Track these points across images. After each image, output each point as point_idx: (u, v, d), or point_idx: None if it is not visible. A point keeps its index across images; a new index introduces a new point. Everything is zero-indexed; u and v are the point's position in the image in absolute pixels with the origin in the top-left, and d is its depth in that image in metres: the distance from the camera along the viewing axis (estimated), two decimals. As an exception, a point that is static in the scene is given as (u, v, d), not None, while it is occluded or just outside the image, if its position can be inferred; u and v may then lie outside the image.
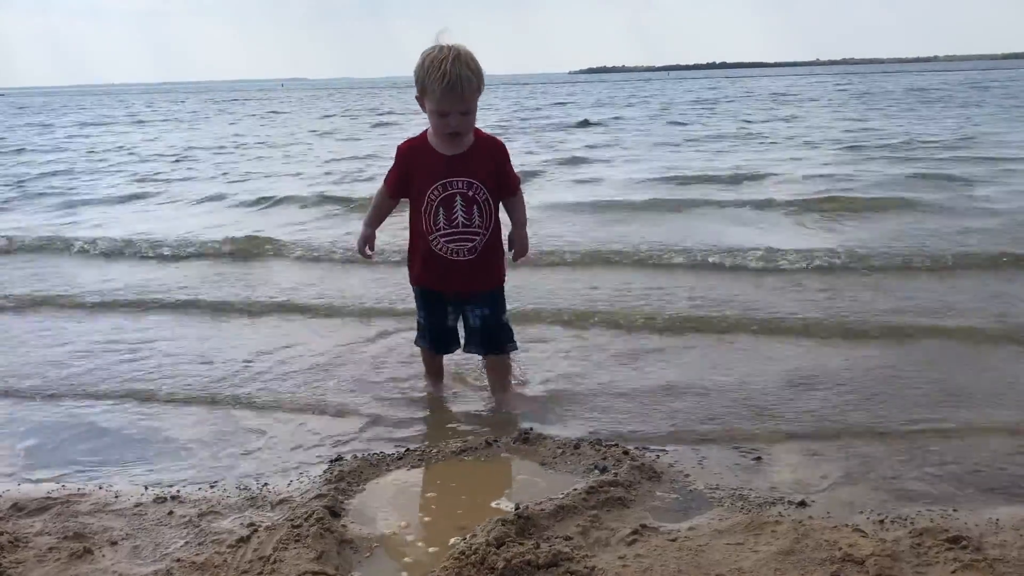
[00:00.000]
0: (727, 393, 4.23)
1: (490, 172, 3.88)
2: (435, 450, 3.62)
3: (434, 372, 4.44)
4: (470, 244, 3.90)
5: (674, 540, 2.80)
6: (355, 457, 3.56)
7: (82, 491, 3.35)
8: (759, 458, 3.47)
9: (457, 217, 3.86)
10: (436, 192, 3.84)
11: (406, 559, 2.82)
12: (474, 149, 3.88)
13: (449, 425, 3.96)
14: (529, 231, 4.16)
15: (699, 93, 48.01)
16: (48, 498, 3.26)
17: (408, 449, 3.64)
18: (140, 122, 35.81)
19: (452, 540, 2.89)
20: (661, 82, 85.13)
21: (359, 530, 2.98)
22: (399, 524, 3.04)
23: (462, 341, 4.23)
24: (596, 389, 4.35)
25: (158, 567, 2.72)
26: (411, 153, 3.92)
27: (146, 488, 3.36)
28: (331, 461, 3.54)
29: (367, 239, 4.15)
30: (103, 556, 2.81)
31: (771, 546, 2.72)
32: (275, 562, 2.70)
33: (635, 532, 2.85)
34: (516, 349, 4.22)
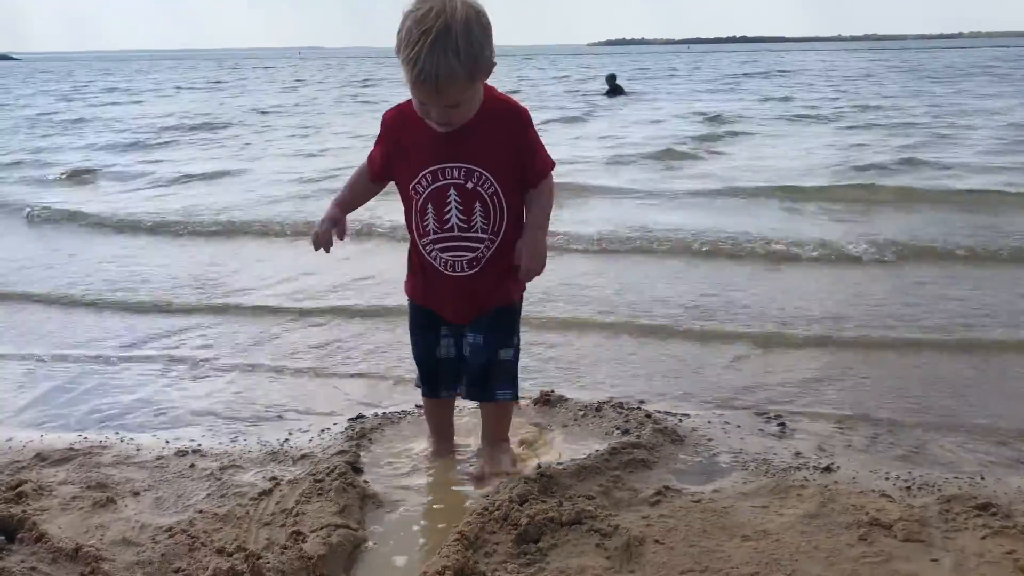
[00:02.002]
0: (753, 359, 4.20)
1: (501, 155, 2.77)
2: (456, 410, 3.60)
3: (435, 426, 3.29)
4: (470, 255, 2.85)
5: (698, 502, 2.78)
6: (376, 415, 3.55)
7: (104, 443, 3.36)
8: (783, 424, 3.43)
9: (451, 218, 2.81)
10: (424, 182, 2.80)
11: (428, 515, 2.81)
12: (480, 121, 2.73)
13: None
14: None
15: (754, 69, 45.19)
16: (71, 449, 3.26)
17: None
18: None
19: (474, 497, 2.88)
20: (694, 56, 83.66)
21: (381, 486, 2.97)
22: (420, 480, 3.03)
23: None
24: (618, 355, 4.33)
25: (180, 517, 2.72)
26: (398, 123, 2.86)
27: (167, 442, 3.36)
28: (352, 419, 3.53)
29: (334, 221, 2.97)
30: (126, 506, 2.81)
31: (797, 509, 2.70)
32: (298, 515, 2.69)
33: (658, 493, 2.83)
34: (512, 400, 3.09)
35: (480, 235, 2.83)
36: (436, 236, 2.84)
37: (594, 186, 9.52)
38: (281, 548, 2.47)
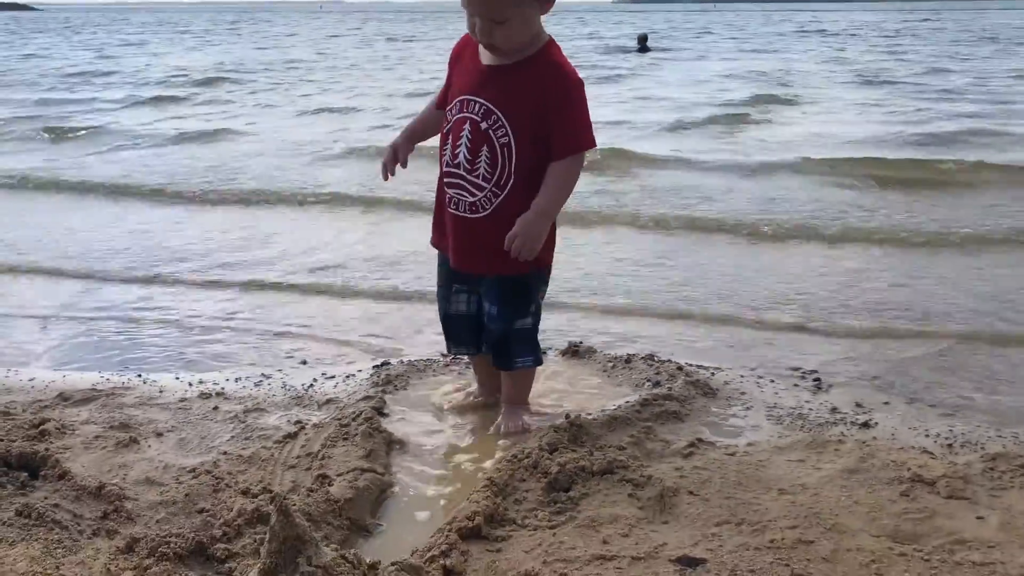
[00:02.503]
0: (784, 317, 4.10)
1: (527, 107, 2.64)
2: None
3: (479, 374, 3.19)
4: (470, 199, 2.73)
5: (732, 455, 2.70)
6: (401, 362, 3.49)
7: (127, 384, 3.32)
8: (818, 380, 3.35)
9: (460, 152, 2.70)
10: (454, 110, 2.75)
11: (455, 462, 2.76)
12: (523, 67, 2.66)
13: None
14: None
15: (792, 28, 43.14)
16: (93, 390, 3.23)
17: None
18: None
19: (501, 443, 2.82)
20: (721, 15, 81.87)
21: (407, 432, 2.92)
22: (447, 428, 2.97)
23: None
24: (646, 308, 4.24)
25: (204, 459, 2.67)
26: (457, 51, 2.87)
27: (191, 385, 3.32)
28: (376, 366, 3.47)
29: (395, 149, 2.95)
30: (149, 446, 2.77)
31: (835, 464, 2.62)
32: (323, 458, 2.64)
33: (691, 445, 2.76)
34: (532, 367, 2.99)
35: (482, 182, 2.69)
36: (447, 169, 2.76)
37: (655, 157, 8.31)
38: (307, 491, 2.43)
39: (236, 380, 3.38)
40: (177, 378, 3.40)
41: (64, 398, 3.14)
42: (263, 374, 3.44)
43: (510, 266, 2.72)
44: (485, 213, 2.71)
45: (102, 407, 3.07)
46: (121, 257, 5.24)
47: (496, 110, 2.64)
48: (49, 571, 2.03)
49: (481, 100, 2.67)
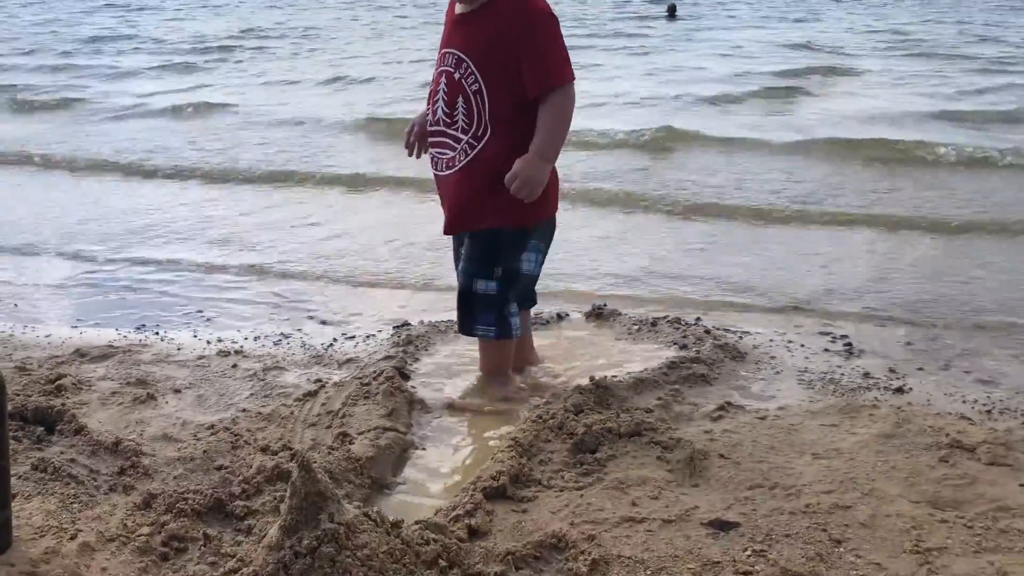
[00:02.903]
0: (814, 279, 4.00)
1: (494, 50, 2.52)
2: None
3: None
4: (449, 154, 2.63)
5: (763, 418, 2.63)
6: (422, 323, 3.42)
7: (144, 342, 3.27)
8: (849, 345, 3.26)
9: (439, 108, 2.64)
10: (437, 65, 2.69)
11: (477, 423, 2.70)
12: (491, 9, 2.55)
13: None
14: None
15: None
16: (110, 347, 3.18)
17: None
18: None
19: (527, 408, 2.75)
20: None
21: (429, 392, 2.85)
22: (469, 389, 2.91)
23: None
24: (674, 272, 4.15)
25: (223, 416, 2.62)
26: (449, 6, 2.74)
27: (209, 343, 3.27)
28: (397, 326, 3.40)
29: (415, 124, 2.85)
30: (166, 403, 2.72)
31: (870, 429, 2.54)
32: (344, 416, 2.59)
33: (720, 408, 2.68)
34: (493, 339, 2.75)
35: (460, 135, 2.60)
36: (431, 128, 2.70)
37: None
38: (328, 449, 2.37)
39: (255, 339, 3.32)
40: (195, 336, 3.35)
41: (81, 354, 3.09)
42: (282, 333, 3.38)
43: (478, 221, 2.65)
44: (459, 167, 2.63)
45: (119, 364, 3.02)
46: (136, 228, 5.19)
47: (465, 57, 2.56)
48: (65, 525, 1.98)
49: (452, 50, 2.61)
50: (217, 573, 1.87)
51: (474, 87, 2.56)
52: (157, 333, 3.38)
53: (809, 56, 12.93)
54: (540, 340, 3.26)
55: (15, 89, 10.38)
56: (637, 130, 7.12)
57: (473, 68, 2.55)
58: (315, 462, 1.91)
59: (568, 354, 3.16)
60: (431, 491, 2.33)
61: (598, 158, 6.51)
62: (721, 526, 2.03)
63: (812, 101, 9.24)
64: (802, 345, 3.25)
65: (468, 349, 3.12)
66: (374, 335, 3.32)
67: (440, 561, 1.85)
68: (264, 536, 1.89)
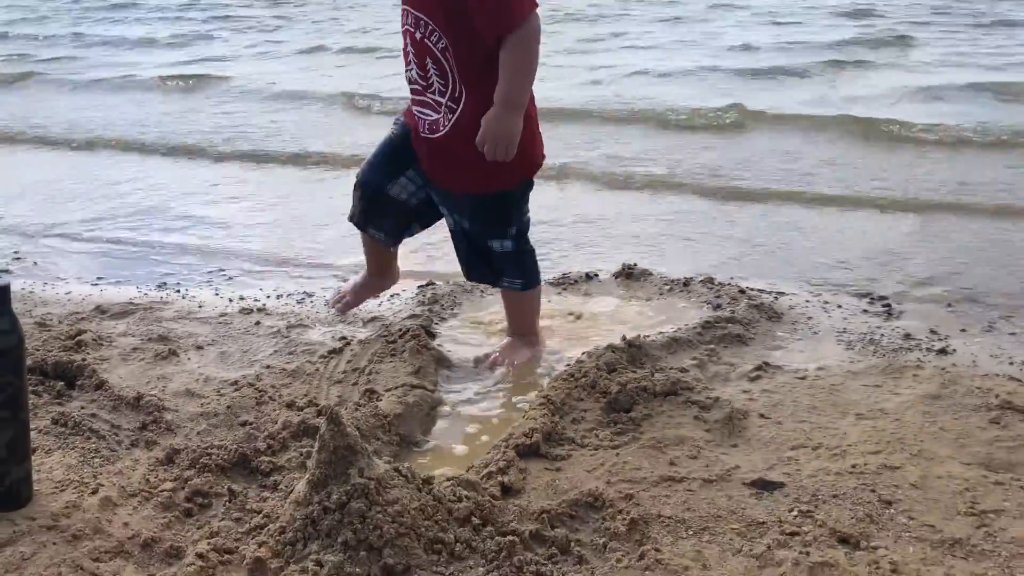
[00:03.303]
0: (850, 240, 3.88)
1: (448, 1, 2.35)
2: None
3: (368, 260, 2.92)
4: (431, 117, 2.51)
5: (803, 379, 2.54)
6: (447, 283, 3.34)
7: (165, 299, 3.21)
8: (888, 306, 3.15)
9: (411, 70, 2.51)
10: (401, 21, 2.53)
11: (506, 382, 2.62)
12: None
13: (549, 258, 3.66)
14: None
15: None
16: (131, 303, 3.12)
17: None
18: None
19: (559, 367, 2.67)
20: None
21: (456, 351, 2.78)
22: (496, 349, 2.83)
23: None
24: (706, 232, 4.04)
25: (247, 372, 2.56)
26: None
27: (231, 300, 3.20)
28: (422, 285, 3.32)
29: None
30: (188, 359, 2.66)
31: (914, 390, 2.44)
32: (371, 374, 2.52)
33: (758, 368, 2.59)
34: (520, 290, 2.70)
35: (438, 98, 2.46)
36: (409, 87, 2.56)
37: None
38: (355, 405, 2.31)
39: (278, 297, 3.25)
40: (217, 294, 3.28)
41: (101, 311, 3.04)
42: (305, 292, 3.31)
43: (479, 183, 2.52)
44: (445, 132, 2.49)
45: (140, 320, 2.96)
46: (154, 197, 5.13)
47: (422, 15, 2.39)
48: (86, 479, 1.92)
49: (408, 8, 2.45)
50: (243, 529, 1.81)
51: (440, 45, 2.39)
52: (178, 291, 3.32)
53: (865, 25, 10.91)
54: (571, 298, 3.18)
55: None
56: (701, 108, 6.19)
57: (433, 25, 2.38)
58: (344, 415, 1.84)
59: (599, 314, 3.07)
60: (460, 449, 2.26)
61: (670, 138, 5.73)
62: (764, 486, 1.95)
63: (868, 74, 7.90)
64: (839, 306, 3.15)
65: (494, 308, 3.04)
66: (398, 294, 3.24)
67: (473, 518, 1.79)
68: (291, 492, 1.82)
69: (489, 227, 2.62)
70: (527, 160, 2.54)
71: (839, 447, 2.12)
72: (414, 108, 2.57)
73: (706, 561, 1.69)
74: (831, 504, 1.88)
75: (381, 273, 2.93)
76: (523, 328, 2.80)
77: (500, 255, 2.64)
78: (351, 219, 2.79)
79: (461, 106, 2.44)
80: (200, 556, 1.69)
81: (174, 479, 1.97)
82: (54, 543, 1.71)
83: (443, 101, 2.45)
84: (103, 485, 1.90)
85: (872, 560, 1.68)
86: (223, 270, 3.59)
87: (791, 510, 1.85)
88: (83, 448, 2.06)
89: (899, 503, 1.88)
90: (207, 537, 1.77)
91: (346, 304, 2.97)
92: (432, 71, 2.43)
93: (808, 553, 1.68)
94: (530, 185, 2.66)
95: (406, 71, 2.55)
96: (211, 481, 1.96)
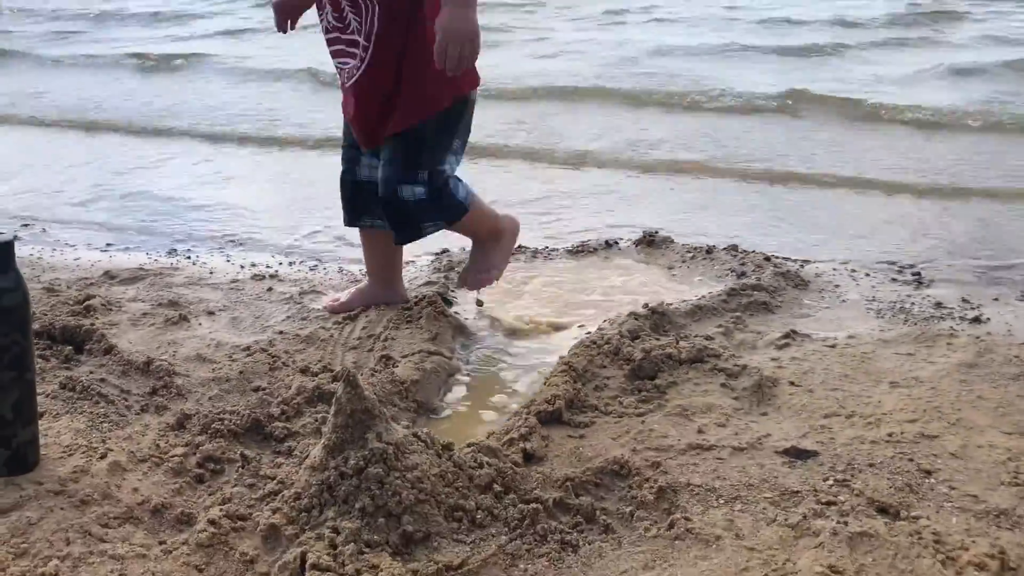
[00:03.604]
0: (876, 208, 3.79)
1: None
2: (548, 248, 3.30)
3: (368, 264, 2.72)
4: (350, 63, 2.38)
5: (832, 347, 2.45)
6: (463, 250, 3.25)
7: (175, 265, 3.14)
8: (918, 274, 3.06)
9: (325, 15, 2.40)
10: None
11: (526, 349, 2.55)
12: None
13: (567, 232, 3.57)
14: None
15: None
16: (140, 269, 3.05)
17: (519, 246, 3.31)
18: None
19: (577, 336, 2.60)
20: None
21: (473, 319, 2.71)
22: (514, 317, 2.75)
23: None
24: (725, 203, 3.95)
25: (259, 337, 2.49)
26: None
27: (242, 267, 3.13)
28: (437, 253, 3.25)
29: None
30: (200, 324, 2.59)
31: (949, 359, 2.35)
32: (386, 340, 2.45)
33: (786, 336, 2.51)
34: (439, 228, 2.49)
35: (356, 37, 2.33)
36: (326, 36, 2.43)
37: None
38: (371, 371, 2.24)
39: (290, 264, 3.18)
40: (228, 260, 3.22)
41: (110, 276, 2.97)
42: (318, 259, 3.24)
43: (409, 112, 2.34)
44: (359, 75, 2.36)
45: (150, 286, 2.90)
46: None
47: None
48: (95, 444, 1.86)
49: None
50: (256, 495, 1.74)
51: None
52: (188, 257, 3.25)
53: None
54: (589, 266, 3.10)
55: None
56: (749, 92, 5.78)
57: None
58: (361, 379, 1.77)
59: (619, 283, 2.99)
60: (480, 417, 2.19)
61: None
62: (798, 454, 1.87)
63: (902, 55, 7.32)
64: (867, 274, 3.06)
65: (512, 273, 2.96)
66: (413, 261, 3.17)
67: (495, 485, 1.72)
68: (306, 457, 1.76)
69: (401, 169, 2.36)
70: (443, 89, 2.31)
71: (874, 416, 2.04)
72: (336, 63, 2.43)
73: (739, 531, 1.62)
74: (868, 473, 1.80)
75: (383, 277, 2.68)
76: (482, 236, 2.65)
77: (412, 204, 2.38)
78: (345, 223, 2.64)
79: (381, 38, 2.30)
80: (212, 522, 1.63)
81: (185, 444, 1.90)
82: (61, 508, 1.65)
83: (359, 40, 2.32)
84: (112, 450, 1.84)
85: (914, 531, 1.60)
86: (233, 236, 3.52)
87: (826, 479, 1.78)
88: (91, 413, 2.00)
89: (939, 473, 1.80)
90: (219, 503, 1.71)
91: (340, 304, 2.66)
92: (346, 9, 2.32)
93: (846, 523, 1.60)
94: (467, 106, 2.42)
95: (321, 22, 2.42)
96: (223, 447, 1.90)
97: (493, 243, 2.66)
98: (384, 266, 2.67)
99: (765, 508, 1.69)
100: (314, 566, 1.50)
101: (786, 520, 1.63)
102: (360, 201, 2.56)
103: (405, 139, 2.36)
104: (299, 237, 3.51)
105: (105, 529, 1.63)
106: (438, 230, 2.49)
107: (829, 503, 1.69)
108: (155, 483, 1.77)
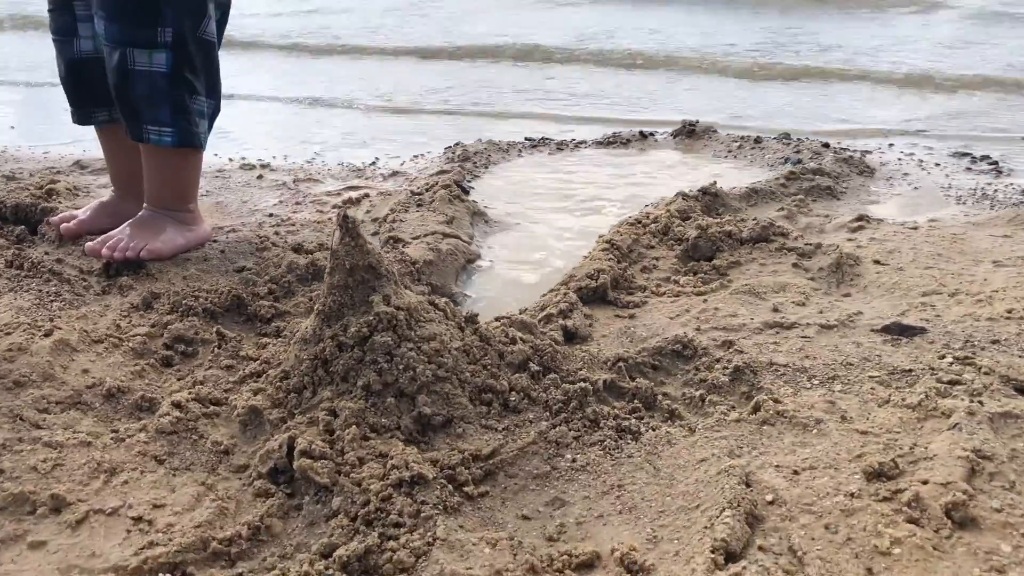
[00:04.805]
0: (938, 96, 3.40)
1: None
2: (575, 140, 2.94)
3: (109, 169, 2.04)
4: None
5: (915, 228, 2.10)
6: (479, 141, 2.90)
7: (156, 158, 2.78)
8: (995, 163, 2.69)
9: None
10: None
11: (555, 237, 2.19)
12: None
13: (596, 124, 3.21)
14: None
15: None
16: (116, 160, 2.69)
17: (544, 138, 2.96)
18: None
19: (614, 223, 2.24)
20: None
21: (493, 207, 2.35)
22: (536, 206, 2.40)
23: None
24: (775, 99, 3.57)
25: (247, 220, 2.14)
26: None
27: (231, 159, 2.77)
28: (449, 146, 2.89)
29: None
30: (179, 210, 2.24)
31: (1055, 239, 2.00)
32: (394, 222, 2.10)
33: (859, 219, 2.15)
34: (173, 146, 1.80)
35: None
36: None
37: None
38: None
39: (284, 157, 2.82)
40: (215, 154, 2.85)
41: (82, 166, 2.63)
42: (315, 152, 2.88)
43: None
44: None
45: (125, 175, 2.54)
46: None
47: None
48: (39, 322, 1.52)
49: None
50: (234, 378, 1.40)
51: None
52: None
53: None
54: (620, 157, 2.74)
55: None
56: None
57: None
58: (361, 223, 1.42)
59: (653, 175, 2.62)
60: (505, 304, 1.84)
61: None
62: (902, 331, 1.52)
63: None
64: (937, 164, 2.69)
65: (536, 169, 2.61)
66: (423, 154, 2.81)
67: (531, 364, 1.37)
68: (297, 332, 1.41)
69: (133, 25, 1.70)
70: None
71: (982, 292, 1.68)
72: None
73: (844, 412, 1.27)
74: (993, 350, 1.45)
75: (131, 187, 1.97)
76: (162, 198, 1.87)
77: (146, 75, 1.73)
78: (74, 120, 1.96)
79: None
80: (177, 405, 1.29)
81: (152, 325, 1.56)
82: (-11, 390, 1.32)
83: None
84: (60, 328, 1.50)
85: (1066, 412, 1.26)
86: (226, 131, 3.15)
87: (943, 357, 1.43)
88: (40, 291, 1.66)
89: (1080, 349, 1.45)
90: (189, 387, 1.37)
91: (78, 223, 1.93)
92: None
93: (982, 403, 1.26)
94: None
95: None
96: (196, 326, 1.56)
97: (169, 218, 1.87)
98: (134, 173, 1.93)
99: (873, 388, 1.34)
100: (305, 453, 1.16)
101: (903, 400, 1.29)
102: (83, 87, 1.90)
103: None
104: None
105: (43, 415, 1.29)
106: (160, 144, 1.78)
107: (954, 382, 1.34)
108: (111, 365, 1.44)
